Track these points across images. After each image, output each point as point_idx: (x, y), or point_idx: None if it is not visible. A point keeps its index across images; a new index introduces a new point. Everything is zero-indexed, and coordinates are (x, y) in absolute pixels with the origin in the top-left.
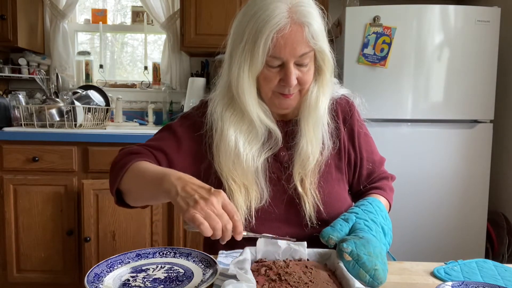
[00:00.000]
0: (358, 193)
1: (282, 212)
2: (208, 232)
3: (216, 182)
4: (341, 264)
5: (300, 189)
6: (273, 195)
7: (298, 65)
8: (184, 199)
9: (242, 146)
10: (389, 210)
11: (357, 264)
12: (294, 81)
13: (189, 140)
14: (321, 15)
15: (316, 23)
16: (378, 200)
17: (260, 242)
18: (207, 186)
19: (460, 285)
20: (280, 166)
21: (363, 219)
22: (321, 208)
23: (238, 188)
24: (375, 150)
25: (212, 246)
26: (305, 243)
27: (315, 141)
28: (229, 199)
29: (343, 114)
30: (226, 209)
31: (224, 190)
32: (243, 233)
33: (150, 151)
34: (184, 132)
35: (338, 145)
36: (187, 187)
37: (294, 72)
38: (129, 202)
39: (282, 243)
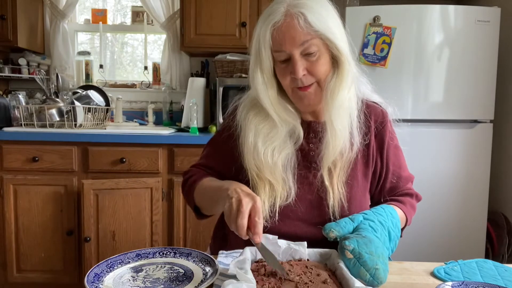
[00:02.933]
0: (377, 204)
1: (306, 211)
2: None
3: (245, 179)
4: (341, 264)
5: (327, 182)
6: (299, 194)
7: (306, 55)
8: (228, 196)
9: (261, 141)
10: (405, 225)
11: (358, 262)
12: (300, 71)
13: (228, 149)
14: (327, 5)
15: (313, 13)
16: (392, 209)
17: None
18: (249, 191)
19: (460, 285)
20: (309, 165)
21: (370, 220)
22: (345, 206)
23: (263, 184)
24: (404, 166)
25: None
26: (305, 243)
27: (339, 133)
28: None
29: (376, 123)
30: (252, 210)
31: (251, 186)
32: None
33: (204, 170)
34: (223, 143)
35: (367, 150)
36: (234, 189)
37: (300, 63)
38: (205, 213)
39: (282, 243)
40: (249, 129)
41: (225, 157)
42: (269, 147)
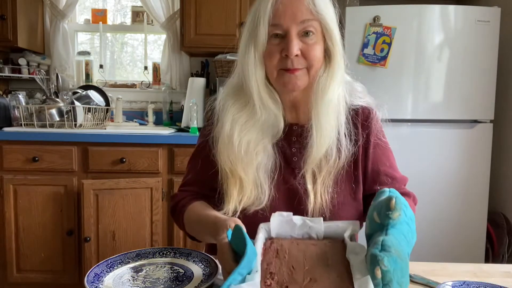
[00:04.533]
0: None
1: None
2: None
3: (220, 179)
4: (359, 260)
5: (309, 186)
6: (275, 201)
7: (302, 36)
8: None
9: (237, 131)
10: None
11: (381, 286)
12: (294, 50)
13: (207, 153)
14: None
15: None
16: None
17: (274, 221)
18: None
19: (461, 285)
20: (291, 171)
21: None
22: (327, 217)
23: (234, 181)
24: (396, 167)
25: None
26: (321, 218)
27: (325, 132)
28: (226, 193)
29: (362, 122)
30: None
31: (223, 185)
32: None
33: (189, 190)
34: (202, 149)
35: (356, 153)
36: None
37: (296, 41)
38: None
39: (297, 220)
40: (226, 119)
41: (207, 164)
42: (244, 138)
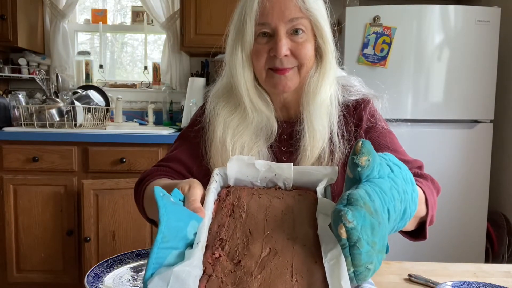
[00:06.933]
0: None
1: None
2: None
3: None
4: (329, 223)
5: None
6: None
7: (291, 35)
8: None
9: (230, 136)
10: (430, 219)
11: (349, 249)
12: (283, 50)
13: (197, 144)
14: None
15: None
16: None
17: (232, 165)
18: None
19: (461, 285)
20: None
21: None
22: None
23: None
24: (402, 151)
25: None
26: (291, 164)
27: (318, 133)
28: None
29: (354, 118)
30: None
31: None
32: None
33: (164, 165)
34: (194, 136)
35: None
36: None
37: (285, 41)
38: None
39: (261, 165)
40: (218, 123)
41: (194, 151)
42: (237, 142)
